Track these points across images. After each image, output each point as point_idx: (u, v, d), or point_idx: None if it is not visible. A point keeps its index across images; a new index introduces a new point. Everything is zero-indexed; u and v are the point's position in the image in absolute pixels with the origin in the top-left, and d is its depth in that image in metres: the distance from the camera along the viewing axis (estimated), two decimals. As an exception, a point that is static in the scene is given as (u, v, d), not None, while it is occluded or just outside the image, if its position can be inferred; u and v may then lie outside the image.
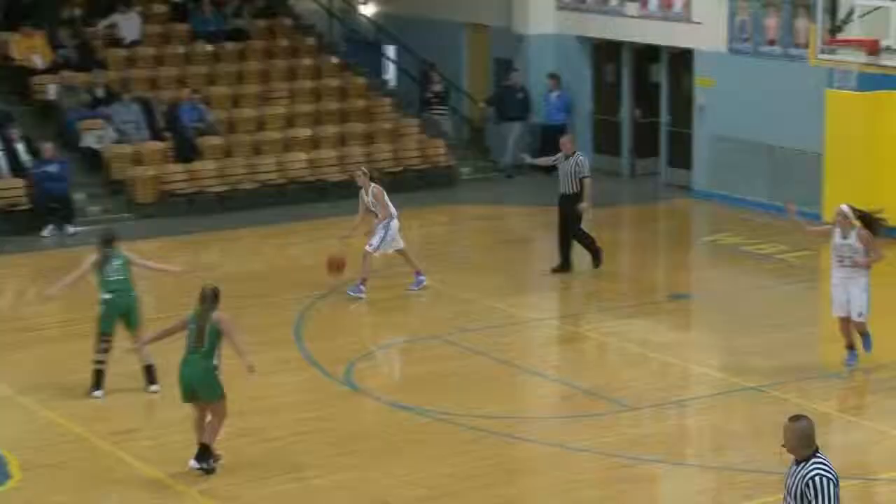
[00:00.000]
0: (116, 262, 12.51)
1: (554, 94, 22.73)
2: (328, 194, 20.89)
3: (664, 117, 22.00)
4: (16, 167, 19.53)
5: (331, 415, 12.28)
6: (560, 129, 22.90)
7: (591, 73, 22.95)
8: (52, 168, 19.13)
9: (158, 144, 20.79)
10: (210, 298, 10.65)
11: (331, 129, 22.10)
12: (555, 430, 11.99)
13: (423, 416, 12.03)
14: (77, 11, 22.83)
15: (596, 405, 12.40)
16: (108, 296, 12.44)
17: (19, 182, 19.33)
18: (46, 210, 19.04)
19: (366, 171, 16.14)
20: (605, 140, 22.87)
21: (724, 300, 16.03)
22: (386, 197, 15.74)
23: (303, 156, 21.38)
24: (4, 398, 12.64)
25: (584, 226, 16.59)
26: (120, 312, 12.44)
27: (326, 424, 12.00)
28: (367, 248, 15.60)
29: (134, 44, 22.57)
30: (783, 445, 7.33)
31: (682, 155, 21.60)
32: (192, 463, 10.57)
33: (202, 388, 10.54)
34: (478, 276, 16.75)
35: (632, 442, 11.47)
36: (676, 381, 13.37)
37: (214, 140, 21.12)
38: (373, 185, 15.78)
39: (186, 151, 20.71)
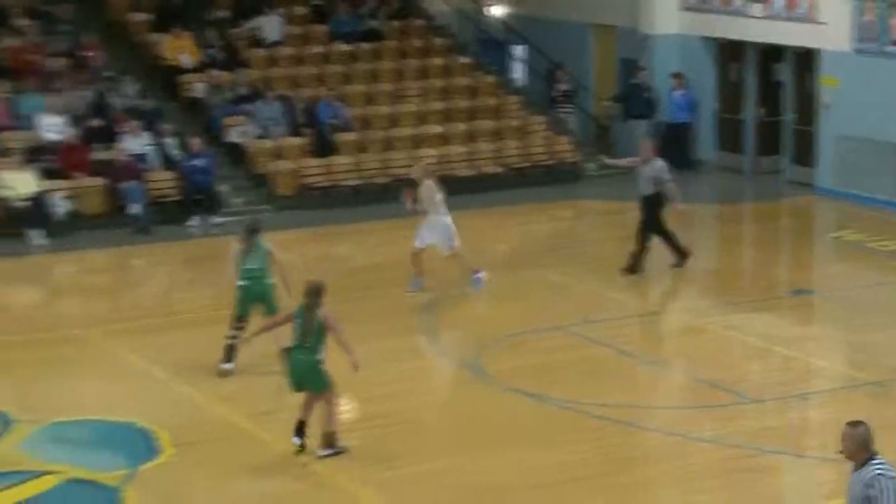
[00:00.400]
0: (258, 252, 12.69)
1: (678, 93, 22.44)
2: (458, 188, 20.92)
3: (788, 116, 21.55)
4: (166, 161, 19.97)
5: (456, 401, 12.29)
6: (684, 128, 22.66)
7: (716, 72, 22.60)
8: (200, 162, 19.51)
9: (297, 140, 21.06)
10: (315, 294, 10.55)
11: (461, 126, 22.13)
12: (676, 420, 11.81)
13: (546, 404, 11.97)
14: (223, 14, 23.25)
15: (717, 397, 12.19)
16: (243, 282, 12.64)
17: (169, 175, 19.75)
18: (193, 201, 19.42)
19: (423, 167, 15.94)
20: (729, 138, 22.52)
21: (848, 296, 15.63)
22: (436, 196, 15.33)
23: (433, 151, 21.46)
24: (154, 378, 12.91)
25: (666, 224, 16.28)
26: (254, 299, 12.63)
27: (451, 411, 12.01)
28: (447, 252, 15.42)
29: (275, 44, 22.89)
30: (840, 451, 7.18)
31: (805, 153, 21.14)
32: (320, 451, 10.65)
33: (309, 382, 10.59)
34: (601, 269, 16.59)
35: (753, 433, 11.25)
36: (798, 374, 13.08)
37: (350, 136, 21.32)
38: (426, 181, 15.46)
39: (323, 147, 20.95)
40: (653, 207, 16.12)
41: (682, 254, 16.28)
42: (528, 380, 12.62)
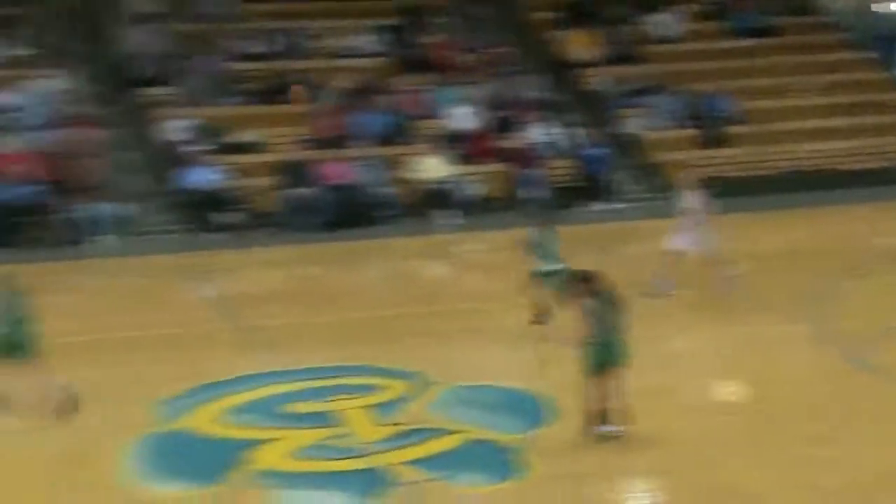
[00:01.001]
0: (550, 241, 13.12)
1: None
2: (848, 182, 20.12)
3: None
4: (564, 150, 20.36)
5: (843, 391, 11.80)
6: None
7: None
8: (596, 151, 19.75)
9: (689, 132, 20.87)
10: (579, 282, 10.32)
11: (868, 120, 21.23)
12: None
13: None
14: (623, 11, 23.37)
15: None
16: (554, 266, 12.95)
17: (567, 163, 20.12)
18: (590, 188, 19.68)
19: (693, 174, 15.22)
20: None
21: None
22: (700, 203, 14.65)
23: (822, 146, 20.71)
24: (548, 350, 13.16)
25: None
26: (556, 285, 12.78)
27: (837, 399, 11.54)
28: (693, 252, 14.60)
29: (672, 40, 22.76)
30: None
31: None
32: (607, 429, 10.36)
33: (616, 357, 10.28)
34: None
35: None
36: None
37: (741, 129, 20.91)
38: (695, 189, 14.72)
39: (713, 139, 20.65)
40: None
41: None
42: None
